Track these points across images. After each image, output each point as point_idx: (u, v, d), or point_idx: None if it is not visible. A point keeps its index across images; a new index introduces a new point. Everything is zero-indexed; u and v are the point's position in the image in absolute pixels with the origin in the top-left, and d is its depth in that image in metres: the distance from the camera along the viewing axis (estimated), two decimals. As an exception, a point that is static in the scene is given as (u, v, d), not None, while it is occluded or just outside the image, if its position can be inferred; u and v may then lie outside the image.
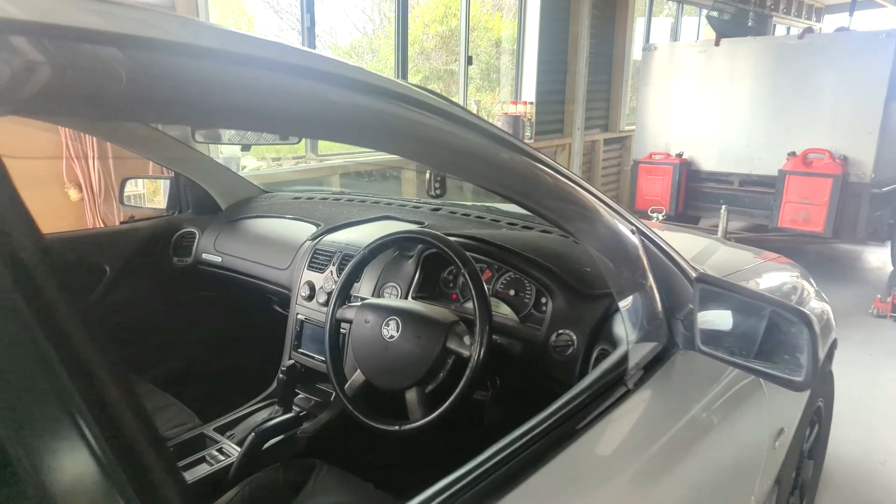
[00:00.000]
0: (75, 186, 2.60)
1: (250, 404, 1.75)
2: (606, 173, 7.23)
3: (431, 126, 0.72)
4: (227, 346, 2.21)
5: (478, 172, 0.83)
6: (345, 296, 1.52)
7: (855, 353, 3.63)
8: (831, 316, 1.97)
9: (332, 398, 1.71)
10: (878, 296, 4.40)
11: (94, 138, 2.52)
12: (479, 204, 2.05)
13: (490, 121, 0.87)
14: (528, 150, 0.88)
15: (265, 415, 1.71)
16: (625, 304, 1.18)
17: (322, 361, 1.69)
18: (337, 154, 4.12)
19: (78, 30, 0.40)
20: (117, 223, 2.48)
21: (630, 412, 1.07)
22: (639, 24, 7.69)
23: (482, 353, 1.26)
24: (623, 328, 1.23)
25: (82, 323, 0.38)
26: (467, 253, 1.37)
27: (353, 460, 1.57)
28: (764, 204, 5.29)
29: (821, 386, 1.96)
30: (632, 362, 1.11)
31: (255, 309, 2.13)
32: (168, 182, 2.24)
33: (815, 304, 1.91)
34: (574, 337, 1.37)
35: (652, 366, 1.16)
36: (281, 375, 1.66)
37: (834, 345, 1.99)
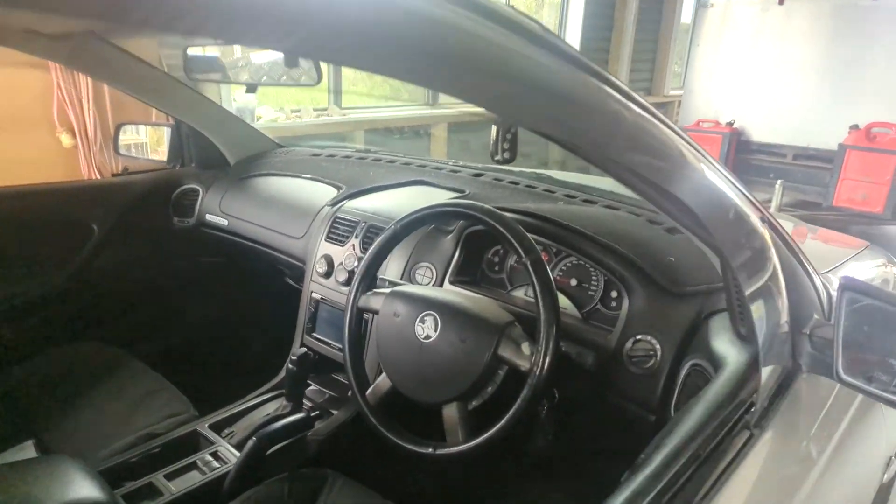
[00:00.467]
0: (68, 132, 2.33)
1: (254, 395, 1.51)
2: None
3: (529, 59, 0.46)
4: (231, 323, 1.99)
5: (575, 125, 0.54)
6: (369, 279, 1.24)
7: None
8: None
9: (349, 393, 1.45)
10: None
11: (89, 78, 2.24)
12: (528, 171, 1.75)
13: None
14: (630, 94, 0.59)
15: (271, 409, 1.45)
16: (739, 310, 0.89)
17: (340, 350, 1.42)
18: (363, 108, 3.79)
19: None
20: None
21: (758, 468, 0.78)
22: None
23: (546, 366, 0.97)
24: (724, 339, 0.95)
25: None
26: (534, 237, 1.07)
27: (372, 471, 1.33)
28: (818, 180, 4.89)
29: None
30: (752, 393, 0.82)
31: (265, 282, 1.89)
32: (169, 130, 1.96)
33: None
34: (657, 346, 1.08)
35: (774, 398, 0.87)
36: (290, 366, 1.39)
37: None
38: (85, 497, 0.87)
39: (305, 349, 1.44)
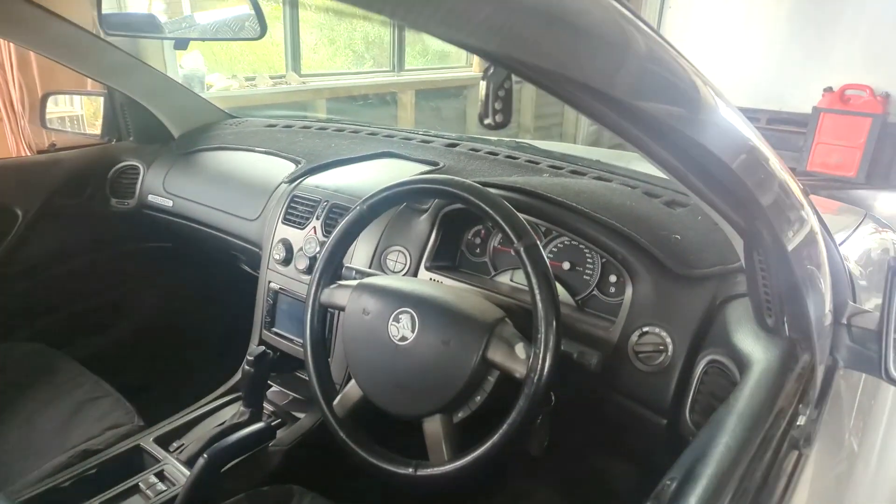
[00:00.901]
0: (-11, 104, 2.08)
1: (207, 401, 1.34)
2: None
3: None
4: (180, 318, 1.83)
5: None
6: (333, 269, 1.07)
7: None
8: None
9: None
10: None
11: (11, 43, 1.99)
12: (507, 139, 1.58)
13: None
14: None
15: (227, 416, 1.29)
16: (766, 297, 0.75)
17: (303, 347, 1.26)
18: (324, 75, 3.56)
19: None
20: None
21: (809, 494, 0.65)
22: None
23: (546, 372, 0.83)
24: (747, 331, 0.82)
25: None
26: (522, 217, 0.91)
27: (343, 485, 1.19)
28: (792, 145, 4.84)
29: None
30: (792, 401, 0.69)
31: (217, 270, 1.72)
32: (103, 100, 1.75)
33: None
34: (667, 339, 0.94)
35: (819, 405, 0.74)
36: (247, 367, 1.22)
37: None
38: None
39: (264, 347, 1.27)
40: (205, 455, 1.03)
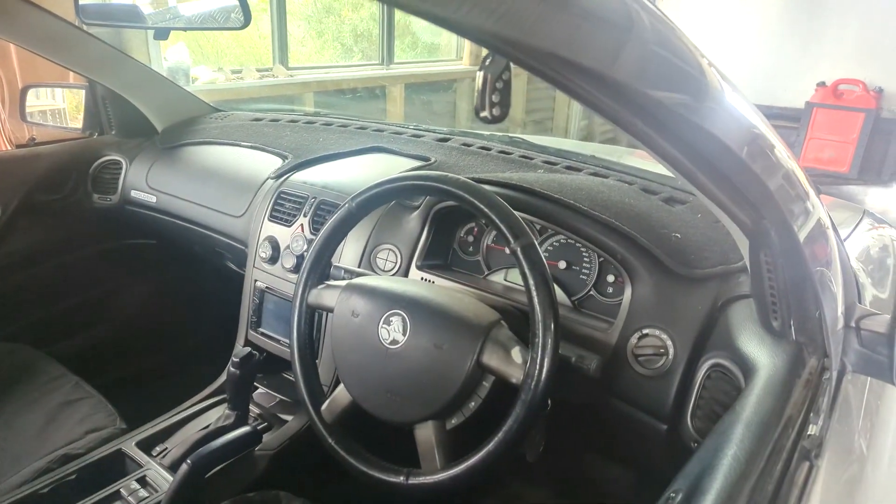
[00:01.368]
0: (-33, 96, 2.02)
1: (191, 403, 1.31)
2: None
3: None
4: (164, 317, 1.79)
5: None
6: (321, 269, 1.04)
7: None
8: None
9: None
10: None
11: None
12: (500, 134, 1.55)
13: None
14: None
15: (211, 419, 1.25)
16: (772, 299, 0.72)
17: (290, 350, 1.23)
18: (312, 68, 3.51)
19: None
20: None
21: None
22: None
23: (543, 378, 0.79)
24: (751, 334, 0.79)
25: None
26: (518, 214, 0.88)
27: (332, 489, 1.15)
28: (785, 140, 4.81)
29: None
30: (800, 409, 0.66)
31: (202, 268, 1.67)
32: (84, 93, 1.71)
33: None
34: (668, 342, 0.91)
35: (829, 412, 0.72)
36: (232, 369, 1.18)
37: None
38: None
39: (250, 348, 1.24)
40: (188, 461, 1.00)
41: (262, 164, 1.48)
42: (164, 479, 1.08)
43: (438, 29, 0.35)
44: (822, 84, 4.57)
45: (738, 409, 0.64)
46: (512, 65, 0.43)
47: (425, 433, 0.88)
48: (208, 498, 1.02)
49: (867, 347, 0.75)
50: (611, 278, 1.04)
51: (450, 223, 1.19)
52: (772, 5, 4.90)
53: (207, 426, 1.22)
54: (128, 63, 1.65)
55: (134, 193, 1.66)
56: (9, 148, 2.18)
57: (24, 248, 1.59)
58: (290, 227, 1.30)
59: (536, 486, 1.43)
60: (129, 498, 1.05)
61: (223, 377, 1.32)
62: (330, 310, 0.98)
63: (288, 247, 1.29)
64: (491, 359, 0.84)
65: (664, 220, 1.02)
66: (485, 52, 0.43)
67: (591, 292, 1.06)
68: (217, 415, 1.27)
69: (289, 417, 1.25)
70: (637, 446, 1.05)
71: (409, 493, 0.88)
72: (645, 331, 0.93)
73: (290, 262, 1.28)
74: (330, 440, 0.95)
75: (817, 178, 4.80)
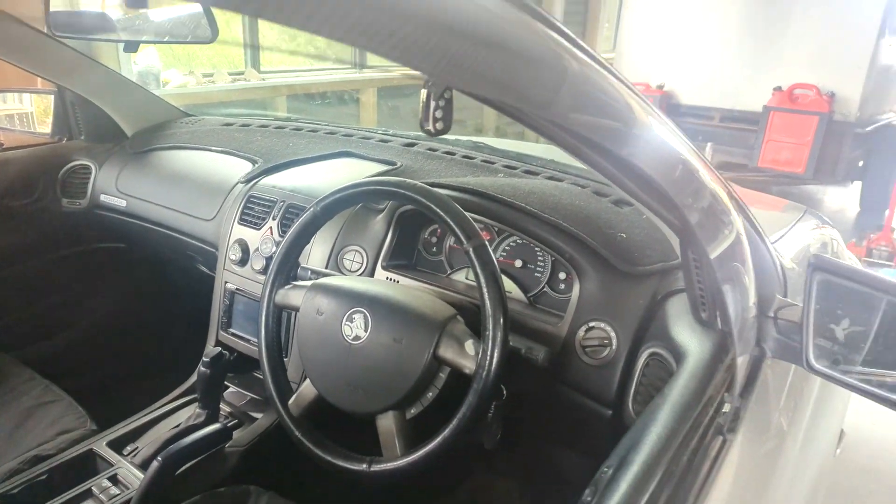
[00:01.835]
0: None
1: (162, 403, 1.33)
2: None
3: None
4: (134, 319, 1.79)
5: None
6: (288, 270, 1.08)
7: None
8: None
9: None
10: (853, 240, 4.18)
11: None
12: (465, 139, 1.61)
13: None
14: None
15: (182, 419, 1.28)
16: (700, 293, 0.79)
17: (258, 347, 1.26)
18: (284, 71, 3.52)
19: None
20: None
21: (734, 476, 0.70)
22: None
23: (494, 368, 0.85)
24: (684, 325, 0.86)
25: None
26: (470, 216, 0.94)
27: (301, 484, 1.19)
28: (744, 142, 4.99)
29: None
30: (720, 389, 0.73)
31: (172, 270, 1.69)
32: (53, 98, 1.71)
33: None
34: (612, 333, 0.98)
35: (744, 393, 0.79)
36: (202, 368, 1.21)
37: None
38: None
39: (220, 348, 1.27)
40: (159, 458, 1.02)
41: (233, 168, 1.51)
42: (135, 478, 1.10)
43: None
44: (778, 89, 4.72)
45: (666, 392, 0.70)
46: None
47: (386, 423, 0.93)
48: (179, 494, 1.03)
49: (783, 335, 0.82)
50: (562, 275, 1.10)
51: (414, 225, 1.24)
52: (732, 13, 5.05)
53: (178, 425, 1.25)
54: (97, 68, 1.66)
55: (104, 198, 1.67)
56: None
57: None
58: (259, 229, 1.34)
59: (502, 476, 1.49)
60: (101, 496, 1.07)
61: (194, 377, 1.35)
62: (296, 309, 1.02)
63: (257, 249, 1.32)
64: (446, 351, 0.90)
65: (612, 221, 1.09)
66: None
67: (545, 289, 1.12)
68: (188, 414, 1.29)
69: (259, 415, 1.28)
70: (586, 432, 1.11)
71: (372, 480, 0.93)
72: (591, 324, 1.00)
73: (259, 263, 1.31)
74: (297, 433, 0.99)
75: (775, 179, 4.96)
